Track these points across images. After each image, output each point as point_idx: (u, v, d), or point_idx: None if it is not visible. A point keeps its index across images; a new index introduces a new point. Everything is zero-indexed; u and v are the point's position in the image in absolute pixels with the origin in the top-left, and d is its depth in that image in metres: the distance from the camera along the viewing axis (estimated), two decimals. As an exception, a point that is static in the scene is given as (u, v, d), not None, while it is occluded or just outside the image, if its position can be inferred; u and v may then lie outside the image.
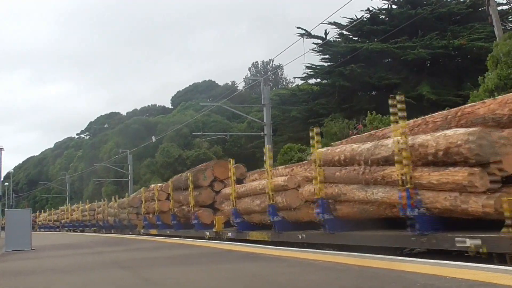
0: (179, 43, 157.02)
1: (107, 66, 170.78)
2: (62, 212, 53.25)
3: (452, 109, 8.24)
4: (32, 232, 18.76)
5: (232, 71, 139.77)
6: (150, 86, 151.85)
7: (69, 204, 57.09)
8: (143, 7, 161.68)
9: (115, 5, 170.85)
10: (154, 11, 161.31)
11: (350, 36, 39.19)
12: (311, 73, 38.86)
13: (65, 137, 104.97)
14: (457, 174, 7.01)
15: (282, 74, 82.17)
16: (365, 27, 36.86)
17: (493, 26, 20.33)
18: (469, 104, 8.27)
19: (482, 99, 15.77)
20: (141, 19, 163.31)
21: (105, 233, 35.62)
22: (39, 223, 63.75)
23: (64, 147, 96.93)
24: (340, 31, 38.16)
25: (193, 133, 44.48)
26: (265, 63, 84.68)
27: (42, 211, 67.37)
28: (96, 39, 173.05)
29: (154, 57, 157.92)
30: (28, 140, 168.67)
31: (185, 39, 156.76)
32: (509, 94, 7.29)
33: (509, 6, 33.22)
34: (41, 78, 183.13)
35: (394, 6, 37.31)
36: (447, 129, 7.61)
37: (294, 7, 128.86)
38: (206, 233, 17.65)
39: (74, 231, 45.57)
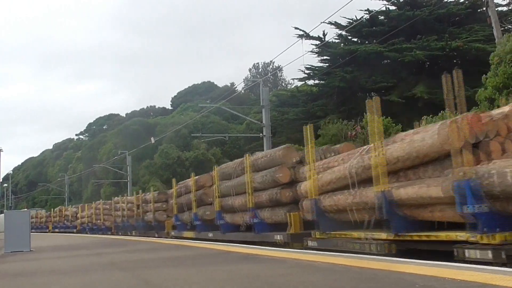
0: (181, 43, 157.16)
1: (107, 68, 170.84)
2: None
3: None
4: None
5: (232, 72, 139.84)
6: (149, 87, 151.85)
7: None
8: (145, 8, 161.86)
9: (115, 10, 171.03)
10: (155, 14, 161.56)
11: (349, 37, 39.16)
12: (308, 74, 38.78)
13: (64, 138, 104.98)
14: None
15: (281, 76, 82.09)
16: (364, 29, 36.85)
17: (492, 27, 20.36)
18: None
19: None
20: (141, 20, 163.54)
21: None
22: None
23: (63, 148, 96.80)
24: (339, 32, 38.18)
25: (192, 134, 44.45)
26: (266, 64, 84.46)
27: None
28: (97, 40, 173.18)
29: (155, 58, 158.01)
30: (27, 141, 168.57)
31: (187, 39, 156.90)
32: None
33: (508, 8, 33.24)
34: (45, 80, 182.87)
35: (393, 8, 37.32)
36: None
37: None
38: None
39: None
